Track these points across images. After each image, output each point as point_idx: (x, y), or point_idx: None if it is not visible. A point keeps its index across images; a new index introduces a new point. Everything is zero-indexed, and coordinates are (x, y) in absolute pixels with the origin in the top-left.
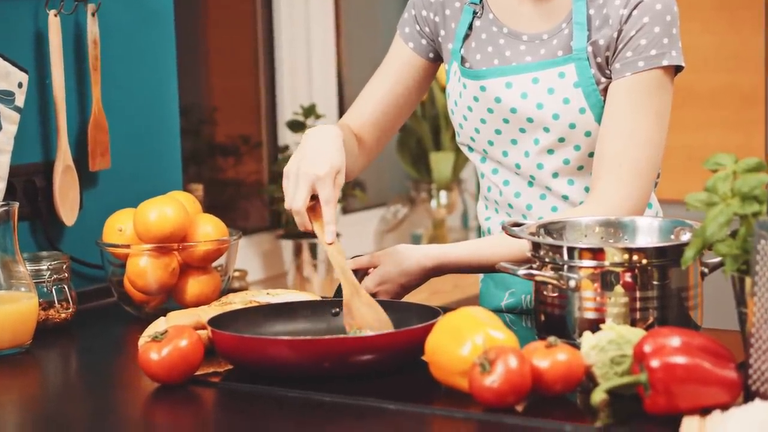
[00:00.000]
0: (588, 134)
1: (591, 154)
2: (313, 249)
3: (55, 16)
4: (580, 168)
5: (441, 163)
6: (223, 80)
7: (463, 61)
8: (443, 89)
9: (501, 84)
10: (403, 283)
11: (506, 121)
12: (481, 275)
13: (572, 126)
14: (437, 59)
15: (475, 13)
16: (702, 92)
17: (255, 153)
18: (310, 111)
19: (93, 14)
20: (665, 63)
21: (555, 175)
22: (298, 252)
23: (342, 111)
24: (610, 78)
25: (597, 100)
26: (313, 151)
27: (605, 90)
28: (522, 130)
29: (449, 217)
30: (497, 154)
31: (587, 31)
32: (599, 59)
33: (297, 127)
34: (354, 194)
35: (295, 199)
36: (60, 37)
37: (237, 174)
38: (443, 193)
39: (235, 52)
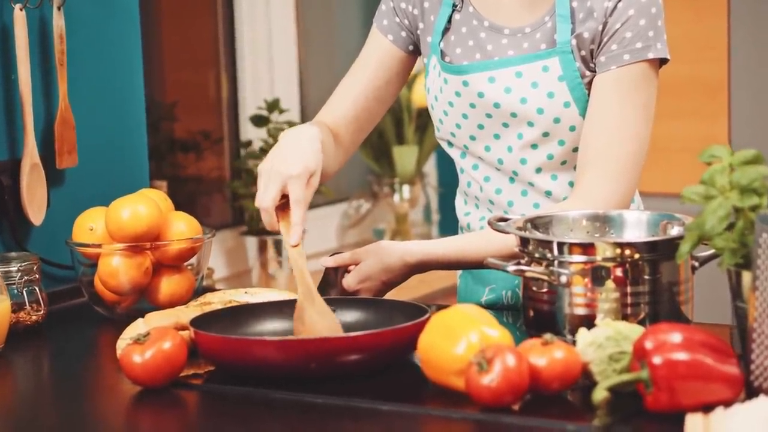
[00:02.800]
0: (572, 129)
1: (575, 149)
2: (278, 246)
3: (21, 10)
4: (564, 163)
5: (404, 157)
6: (181, 74)
7: (442, 55)
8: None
9: (484, 79)
10: (385, 280)
11: (489, 116)
12: (459, 271)
13: (557, 120)
14: (416, 52)
15: (454, 5)
16: (665, 83)
17: (216, 148)
18: (274, 105)
19: (59, 8)
20: (651, 56)
21: (538, 170)
22: (262, 249)
23: (303, 105)
24: (595, 71)
25: (582, 94)
26: (288, 150)
27: (590, 84)
28: (505, 125)
29: (412, 211)
30: (479, 149)
31: (571, 23)
32: (583, 52)
33: (261, 121)
34: (318, 190)
35: (264, 198)
36: (26, 32)
37: (198, 170)
38: (406, 188)
39: (193, 45)
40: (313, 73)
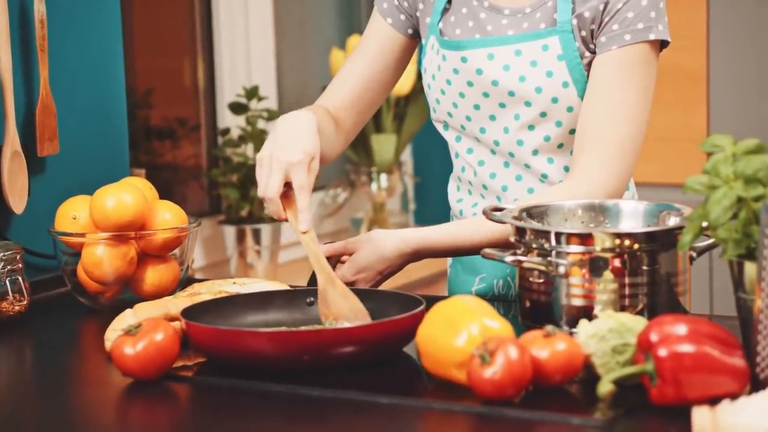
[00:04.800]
0: (570, 109)
1: (572, 131)
2: (257, 235)
3: None
4: (561, 146)
5: (382, 145)
6: (156, 61)
7: (441, 34)
8: None
9: (483, 55)
10: (381, 270)
11: (486, 95)
12: (450, 260)
13: (554, 100)
14: (416, 36)
15: None
16: None
17: (193, 136)
18: (252, 93)
19: None
20: (652, 37)
21: (535, 152)
22: (240, 238)
23: (281, 93)
24: (595, 52)
25: (580, 75)
26: (286, 137)
27: (589, 65)
28: (502, 105)
29: (389, 200)
30: (475, 130)
31: (572, 3)
32: (584, 33)
33: (240, 109)
34: None
35: (268, 187)
36: (7, 17)
37: (174, 158)
38: (383, 176)
39: (169, 31)
40: (289, 60)
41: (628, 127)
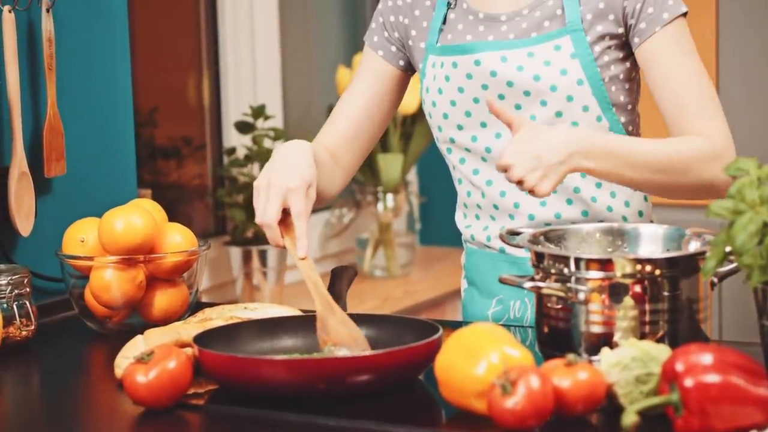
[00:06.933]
0: (585, 109)
1: None
2: (263, 256)
3: (10, 12)
4: None
5: (389, 164)
6: (160, 78)
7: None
8: None
9: (496, 58)
10: (540, 155)
11: (502, 96)
12: (464, 283)
13: (570, 98)
14: (407, 68)
15: (449, 4)
16: None
17: (198, 155)
18: (259, 112)
19: (48, 10)
20: (684, 10)
21: None
22: (247, 259)
23: (286, 111)
24: (621, 40)
25: (594, 72)
26: (283, 164)
27: (598, 60)
28: (518, 107)
29: (395, 220)
30: (489, 137)
31: (578, 2)
32: (600, 27)
33: (246, 128)
34: None
35: (266, 213)
36: (15, 35)
37: (179, 178)
38: (390, 196)
39: (173, 48)
40: (294, 78)
41: (710, 89)
